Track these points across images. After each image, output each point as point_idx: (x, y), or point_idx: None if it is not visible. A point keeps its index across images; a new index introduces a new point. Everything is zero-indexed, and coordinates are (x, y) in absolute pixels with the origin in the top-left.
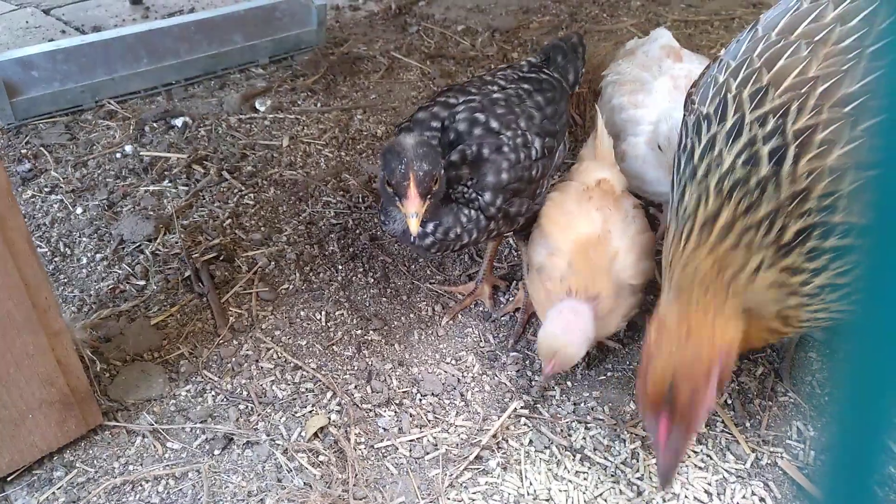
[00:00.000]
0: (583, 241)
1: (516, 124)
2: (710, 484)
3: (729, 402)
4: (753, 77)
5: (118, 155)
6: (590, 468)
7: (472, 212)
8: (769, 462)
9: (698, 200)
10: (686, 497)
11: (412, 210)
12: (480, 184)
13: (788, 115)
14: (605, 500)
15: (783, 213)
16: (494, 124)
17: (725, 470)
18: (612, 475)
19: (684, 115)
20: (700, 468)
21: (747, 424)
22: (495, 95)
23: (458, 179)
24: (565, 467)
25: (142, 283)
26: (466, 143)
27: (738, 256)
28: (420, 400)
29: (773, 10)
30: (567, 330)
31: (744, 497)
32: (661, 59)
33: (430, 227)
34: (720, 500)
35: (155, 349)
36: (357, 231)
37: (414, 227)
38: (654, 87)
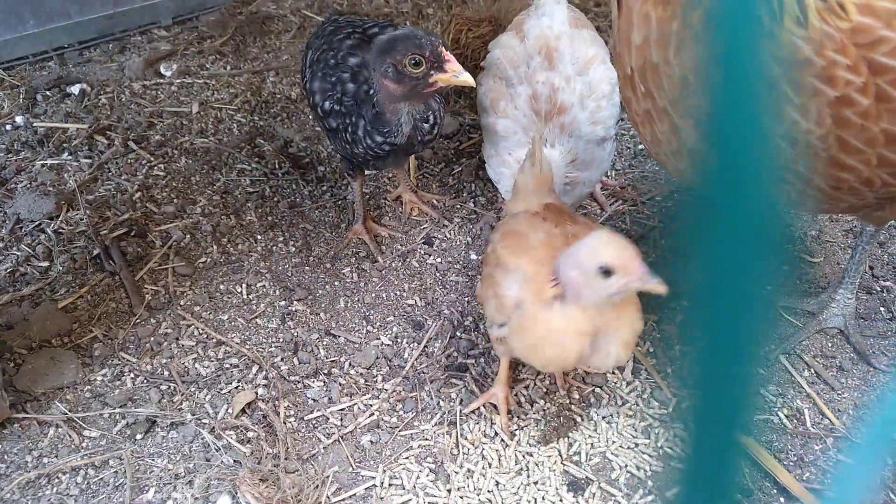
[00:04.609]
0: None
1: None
2: (636, 430)
3: (651, 350)
4: None
5: (8, 126)
6: (523, 418)
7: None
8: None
9: None
10: (619, 446)
11: (458, 66)
12: None
13: None
14: (539, 452)
15: None
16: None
17: (651, 416)
18: (551, 420)
19: None
20: (629, 416)
21: (669, 370)
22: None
23: None
24: (493, 422)
25: (45, 264)
26: None
27: None
28: (349, 368)
29: None
30: (607, 240)
31: (667, 440)
32: (531, 55)
33: (430, 117)
34: (647, 444)
35: (64, 334)
36: (275, 199)
37: (468, 77)
38: (516, 95)
